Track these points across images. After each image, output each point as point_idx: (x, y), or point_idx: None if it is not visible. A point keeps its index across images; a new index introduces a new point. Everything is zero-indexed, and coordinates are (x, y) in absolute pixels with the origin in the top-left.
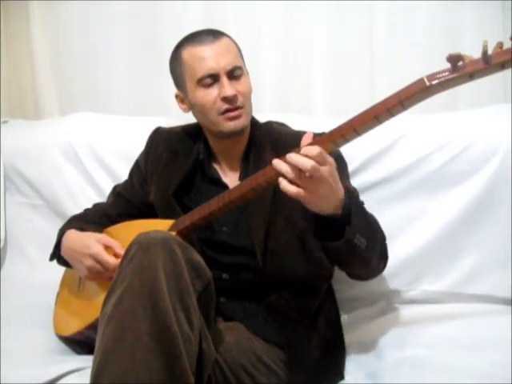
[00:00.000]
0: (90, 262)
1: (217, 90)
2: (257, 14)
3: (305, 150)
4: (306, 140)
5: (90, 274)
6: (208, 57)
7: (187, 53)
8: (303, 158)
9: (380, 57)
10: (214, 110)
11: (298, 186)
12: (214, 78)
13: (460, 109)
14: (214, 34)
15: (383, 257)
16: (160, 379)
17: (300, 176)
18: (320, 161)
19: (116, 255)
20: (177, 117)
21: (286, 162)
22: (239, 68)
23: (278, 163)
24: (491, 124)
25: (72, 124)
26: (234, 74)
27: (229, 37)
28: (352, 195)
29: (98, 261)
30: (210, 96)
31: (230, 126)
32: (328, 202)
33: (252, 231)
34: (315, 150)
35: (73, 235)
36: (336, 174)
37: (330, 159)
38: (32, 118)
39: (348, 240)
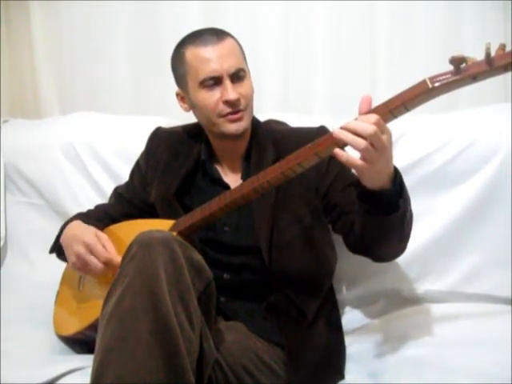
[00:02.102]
0: (80, 249)
1: (219, 93)
2: (257, 14)
3: (363, 117)
4: (364, 105)
5: (77, 262)
6: (211, 58)
7: (190, 53)
8: (365, 124)
9: (381, 56)
10: (215, 113)
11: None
12: (217, 81)
13: (460, 108)
14: (217, 35)
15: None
16: (160, 378)
17: (365, 144)
18: (380, 128)
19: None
20: (177, 117)
21: (346, 130)
22: (242, 70)
23: (339, 132)
24: (492, 123)
25: (72, 123)
26: (237, 76)
27: (232, 37)
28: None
29: (90, 250)
30: (212, 98)
31: (232, 128)
32: (382, 175)
33: (256, 228)
34: (373, 116)
35: (77, 224)
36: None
37: (388, 129)
38: (32, 118)
39: (404, 212)
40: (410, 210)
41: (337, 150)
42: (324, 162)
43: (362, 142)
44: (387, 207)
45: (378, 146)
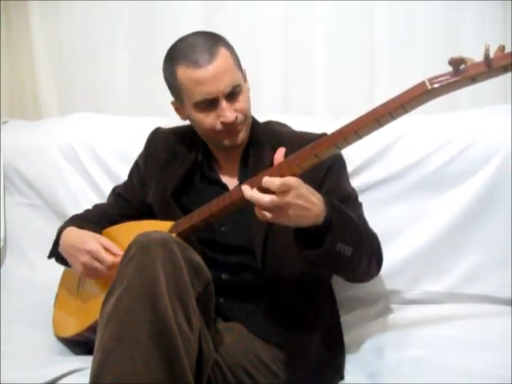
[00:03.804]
0: (85, 258)
1: (216, 113)
2: (257, 14)
3: (265, 182)
4: (278, 158)
5: (85, 271)
6: (206, 80)
7: (183, 73)
8: (261, 197)
9: (380, 57)
10: (212, 131)
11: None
12: (213, 101)
13: (460, 109)
14: (209, 51)
15: (375, 261)
16: (159, 379)
17: (269, 206)
18: (283, 190)
19: (114, 256)
20: (176, 117)
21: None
22: (238, 85)
23: (245, 190)
24: (491, 124)
25: (72, 124)
26: (234, 92)
27: (225, 46)
28: (333, 204)
29: (95, 258)
30: (208, 119)
31: (229, 142)
32: (303, 218)
33: (252, 231)
34: (276, 182)
35: (72, 231)
36: (305, 191)
37: (295, 182)
38: (32, 119)
39: (328, 249)
40: (358, 241)
41: (256, 209)
42: (320, 174)
43: (266, 207)
44: (317, 243)
45: (280, 205)
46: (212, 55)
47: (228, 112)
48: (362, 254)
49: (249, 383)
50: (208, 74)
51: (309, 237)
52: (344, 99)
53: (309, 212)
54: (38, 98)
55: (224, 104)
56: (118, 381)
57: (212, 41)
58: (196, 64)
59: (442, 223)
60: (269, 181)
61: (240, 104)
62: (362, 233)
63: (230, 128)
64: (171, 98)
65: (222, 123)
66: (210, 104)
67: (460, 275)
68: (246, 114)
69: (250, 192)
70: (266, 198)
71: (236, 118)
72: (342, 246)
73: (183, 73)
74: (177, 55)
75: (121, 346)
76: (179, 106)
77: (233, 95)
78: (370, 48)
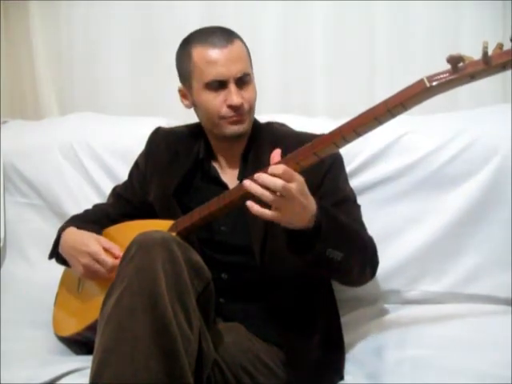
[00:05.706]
0: (86, 260)
1: (223, 96)
2: (257, 14)
3: (271, 168)
4: (274, 158)
5: (85, 273)
6: (219, 61)
7: (198, 53)
8: (273, 178)
9: (380, 57)
10: (217, 115)
11: (268, 207)
12: (222, 84)
13: (460, 109)
14: (227, 37)
15: (369, 266)
16: (159, 379)
17: (273, 197)
18: (287, 179)
19: (115, 257)
20: (177, 117)
21: (256, 182)
22: (248, 75)
23: (250, 185)
24: (491, 124)
25: (72, 124)
26: (243, 80)
27: (241, 40)
28: (325, 209)
29: (96, 260)
30: (215, 101)
31: (233, 129)
32: (299, 218)
33: (250, 230)
34: (280, 168)
35: (73, 232)
36: (305, 189)
37: (298, 176)
38: (32, 119)
39: (317, 254)
40: (350, 246)
41: (249, 203)
42: (319, 175)
43: (269, 196)
44: (308, 246)
45: (286, 195)
46: (228, 41)
47: (235, 95)
48: (354, 259)
49: (248, 383)
50: (223, 56)
51: (299, 241)
52: (344, 99)
53: (305, 212)
54: (37, 98)
55: (233, 87)
56: (118, 381)
57: (229, 32)
58: (212, 45)
59: (441, 223)
60: (273, 167)
61: (248, 93)
62: (354, 238)
63: (235, 114)
64: (171, 99)
65: (229, 107)
66: (220, 86)
67: (460, 275)
68: (252, 106)
69: (262, 176)
70: (279, 181)
71: (242, 104)
72: (332, 251)
73: (198, 52)
74: (194, 39)
75: (121, 346)
76: (186, 91)
77: (242, 82)
78: (370, 48)
